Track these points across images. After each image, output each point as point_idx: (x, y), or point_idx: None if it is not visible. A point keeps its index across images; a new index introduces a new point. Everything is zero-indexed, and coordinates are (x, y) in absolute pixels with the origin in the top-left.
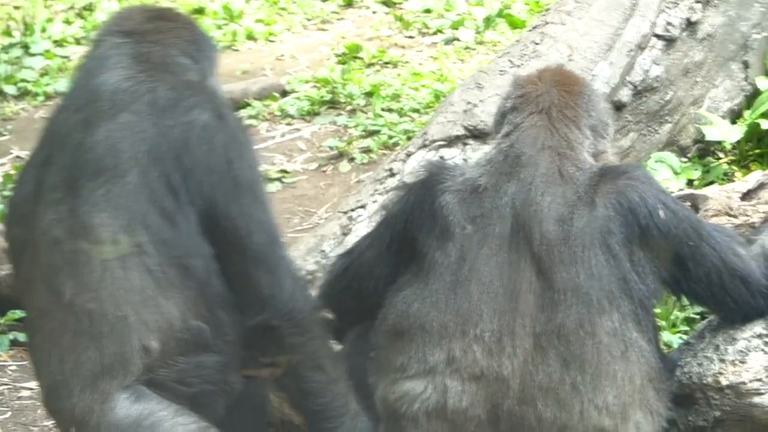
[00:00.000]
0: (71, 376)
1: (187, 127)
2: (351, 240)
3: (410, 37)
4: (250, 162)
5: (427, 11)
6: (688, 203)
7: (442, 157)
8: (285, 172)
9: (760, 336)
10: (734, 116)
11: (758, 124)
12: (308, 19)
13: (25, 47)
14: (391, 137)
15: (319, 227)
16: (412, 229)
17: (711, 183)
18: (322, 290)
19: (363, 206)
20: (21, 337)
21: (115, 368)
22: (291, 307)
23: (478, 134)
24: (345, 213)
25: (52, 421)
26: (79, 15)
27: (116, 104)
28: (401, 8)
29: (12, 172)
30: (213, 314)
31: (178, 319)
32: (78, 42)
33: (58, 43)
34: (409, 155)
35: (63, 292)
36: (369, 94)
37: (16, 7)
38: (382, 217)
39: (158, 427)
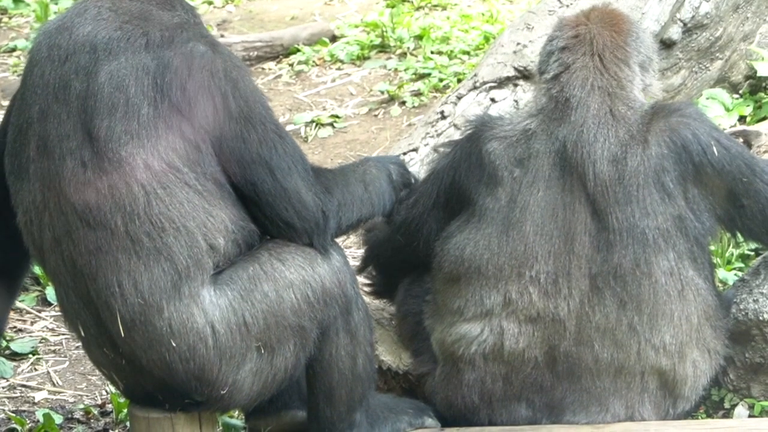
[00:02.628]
0: (152, 294)
1: (187, 56)
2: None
3: None
4: (251, 85)
5: None
6: (741, 140)
7: (492, 99)
8: (336, 117)
9: None
10: None
11: None
12: None
13: None
14: (441, 80)
15: None
16: (460, 181)
17: (763, 119)
18: (368, 250)
19: (415, 149)
20: None
21: (191, 270)
22: (318, 230)
23: (528, 75)
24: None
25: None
26: None
27: (112, 50)
28: None
29: None
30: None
31: (230, 222)
32: None
33: None
34: (459, 97)
35: (115, 225)
36: (418, 38)
37: None
38: (428, 174)
39: (272, 274)
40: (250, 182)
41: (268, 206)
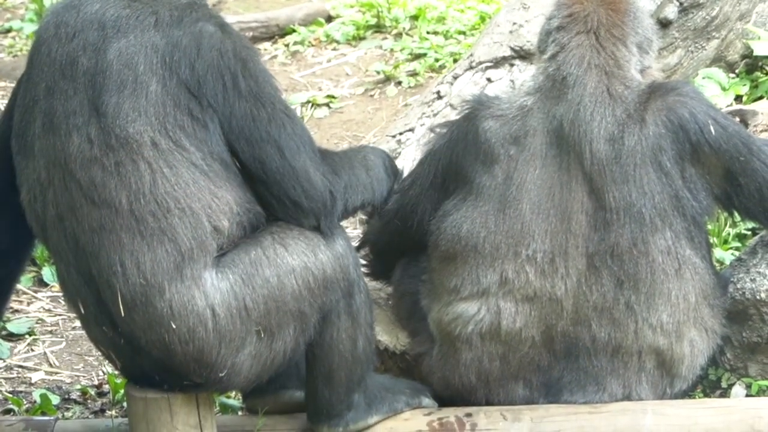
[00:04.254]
0: (154, 275)
1: (196, 35)
2: (399, 164)
3: None
4: (260, 66)
5: None
6: (738, 119)
7: (489, 79)
8: (332, 97)
9: None
10: None
11: None
12: None
13: None
14: (437, 60)
15: None
16: (457, 160)
17: (760, 98)
18: (365, 232)
19: (411, 129)
20: None
21: (194, 252)
22: (325, 210)
23: (524, 55)
24: (393, 137)
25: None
26: None
27: (121, 27)
28: None
29: None
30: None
31: (235, 204)
32: None
33: None
34: (456, 77)
35: (119, 203)
36: (414, 18)
37: None
38: (425, 155)
39: (275, 259)
40: (258, 160)
41: (276, 185)
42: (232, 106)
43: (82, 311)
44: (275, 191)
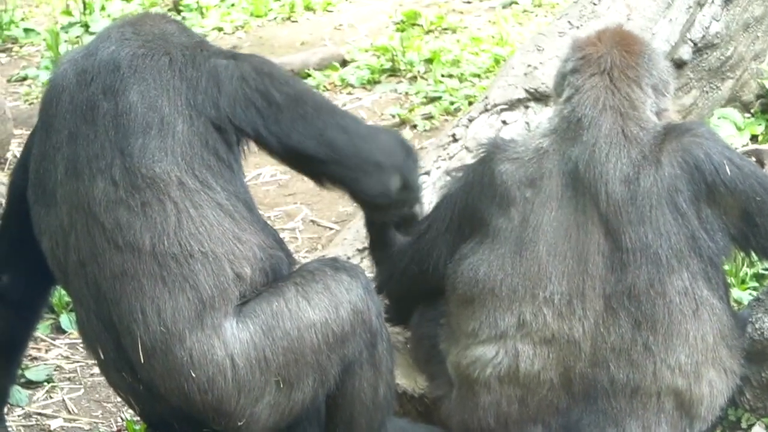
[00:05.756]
0: (174, 323)
1: (213, 73)
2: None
3: (468, 2)
4: (284, 71)
5: None
6: (753, 159)
7: (504, 122)
8: None
9: None
10: None
11: None
12: None
13: (85, 26)
14: (452, 103)
15: None
16: (473, 203)
17: None
18: (381, 277)
19: (427, 173)
20: None
21: (216, 301)
22: (406, 163)
23: (539, 97)
24: None
25: (152, 383)
26: None
27: (138, 69)
28: None
29: None
30: (281, 246)
31: (258, 249)
32: None
33: None
34: (471, 120)
35: (143, 245)
36: (429, 61)
37: None
38: (441, 198)
39: (291, 312)
40: (327, 146)
41: (354, 157)
42: (278, 122)
43: (102, 357)
44: (354, 163)
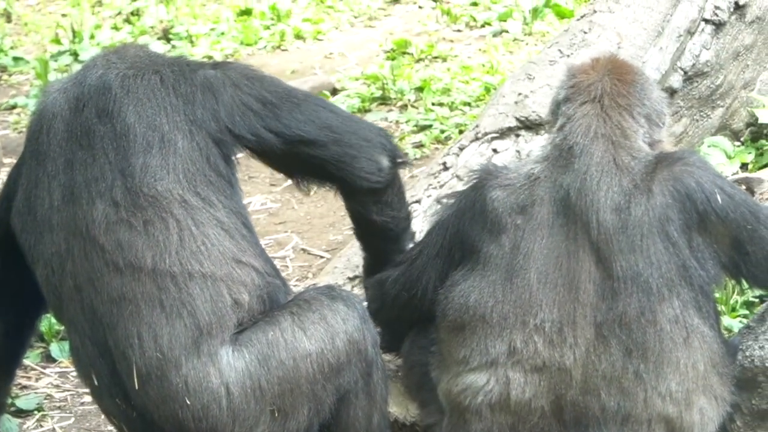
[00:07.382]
0: (171, 349)
1: (206, 85)
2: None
3: (458, 30)
4: (268, 75)
5: (474, 4)
6: (744, 187)
7: (494, 150)
8: None
9: None
10: None
11: None
12: (355, 17)
13: (75, 55)
14: (443, 131)
15: None
16: (464, 230)
17: (765, 166)
18: (372, 304)
19: (418, 201)
20: None
21: (213, 327)
22: (389, 142)
23: (530, 125)
24: None
25: (146, 409)
26: (127, 20)
27: (130, 89)
28: (448, 2)
29: None
30: (278, 274)
31: (256, 275)
32: None
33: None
34: (461, 149)
35: (144, 264)
36: (419, 89)
37: (64, 15)
38: (432, 225)
39: (287, 342)
40: (324, 128)
41: (349, 134)
42: (278, 117)
43: (96, 383)
44: (348, 140)
